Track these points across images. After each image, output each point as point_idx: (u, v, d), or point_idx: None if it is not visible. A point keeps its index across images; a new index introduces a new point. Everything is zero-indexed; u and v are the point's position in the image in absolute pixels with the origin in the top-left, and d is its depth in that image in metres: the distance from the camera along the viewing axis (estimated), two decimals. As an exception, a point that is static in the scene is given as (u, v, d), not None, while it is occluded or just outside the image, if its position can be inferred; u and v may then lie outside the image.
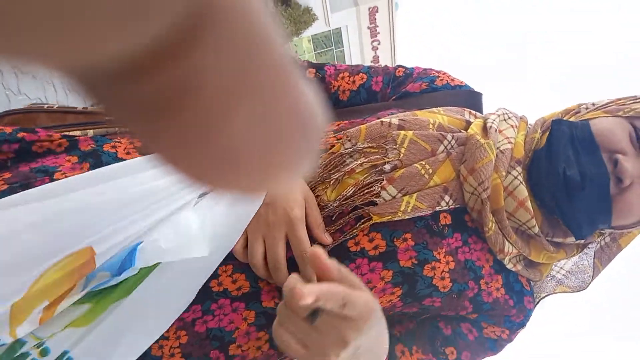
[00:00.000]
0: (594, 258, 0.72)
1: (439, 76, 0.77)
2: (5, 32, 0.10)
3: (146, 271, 0.49)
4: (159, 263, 0.49)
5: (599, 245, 0.72)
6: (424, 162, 0.60)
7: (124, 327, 0.49)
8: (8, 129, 0.58)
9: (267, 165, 0.17)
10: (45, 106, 0.74)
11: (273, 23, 0.15)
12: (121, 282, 0.48)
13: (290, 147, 0.18)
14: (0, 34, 0.10)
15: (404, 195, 0.58)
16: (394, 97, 0.78)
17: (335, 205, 0.58)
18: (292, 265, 0.55)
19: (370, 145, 0.61)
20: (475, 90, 0.77)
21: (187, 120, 0.14)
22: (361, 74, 0.79)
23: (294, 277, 0.42)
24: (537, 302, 0.70)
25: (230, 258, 0.56)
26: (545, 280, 0.72)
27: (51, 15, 0.10)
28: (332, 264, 0.42)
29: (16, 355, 0.47)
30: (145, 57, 0.12)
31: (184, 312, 0.55)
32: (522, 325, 0.66)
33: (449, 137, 0.63)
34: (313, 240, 0.56)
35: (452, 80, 0.78)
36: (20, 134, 0.57)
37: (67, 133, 0.63)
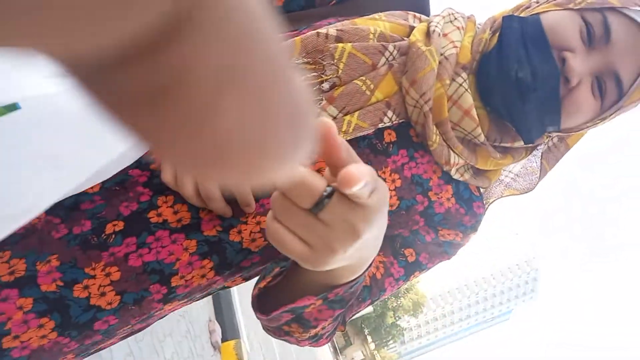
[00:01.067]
0: (541, 159, 0.70)
1: None
2: None
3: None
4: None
5: (546, 146, 0.70)
6: (364, 78, 0.56)
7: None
8: None
9: (256, 159, 0.17)
10: None
11: (265, 12, 0.15)
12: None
13: (280, 141, 0.18)
14: None
15: (345, 114, 0.55)
16: (333, 2, 0.70)
17: None
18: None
19: (306, 61, 0.56)
20: None
21: (175, 111, 0.14)
22: None
23: (303, 169, 0.35)
24: (487, 207, 0.69)
25: (171, 189, 0.52)
26: (494, 185, 0.70)
27: (37, 4, 0.10)
28: (342, 142, 0.35)
29: None
30: (133, 46, 0.12)
31: (115, 246, 0.51)
32: (474, 229, 0.66)
33: (391, 47, 0.58)
34: None
35: None
36: None
37: None
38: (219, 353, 3.98)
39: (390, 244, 0.63)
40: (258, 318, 0.57)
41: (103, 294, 0.51)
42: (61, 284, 0.49)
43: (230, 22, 0.13)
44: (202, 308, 4.00)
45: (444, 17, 0.63)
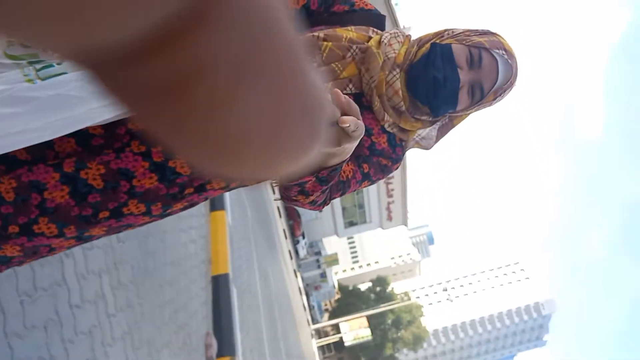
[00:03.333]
0: (437, 131, 1.12)
1: (356, 2, 1.07)
2: (13, 16, 0.10)
3: None
4: None
5: (442, 123, 1.11)
6: (337, 63, 0.96)
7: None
8: None
9: (273, 150, 0.17)
10: None
11: (283, 7, 0.15)
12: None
13: (297, 132, 0.18)
14: (9, 16, 0.10)
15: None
16: (325, 15, 1.05)
17: None
18: None
19: None
20: (381, 14, 1.09)
21: (192, 103, 0.14)
22: None
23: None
24: (405, 151, 1.09)
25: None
26: (410, 142, 1.09)
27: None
28: (345, 99, 0.69)
29: (46, 62, 0.72)
30: (151, 39, 0.12)
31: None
32: (398, 161, 1.07)
33: (354, 47, 0.98)
34: None
35: (366, 5, 1.08)
36: None
37: None
38: (213, 368, 3.97)
39: (356, 159, 1.02)
40: (280, 192, 0.97)
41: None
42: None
43: (249, 14, 0.13)
44: (201, 321, 4.01)
45: (391, 34, 1.01)
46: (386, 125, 1.01)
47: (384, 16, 1.10)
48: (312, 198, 0.94)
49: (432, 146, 1.13)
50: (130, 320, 2.60)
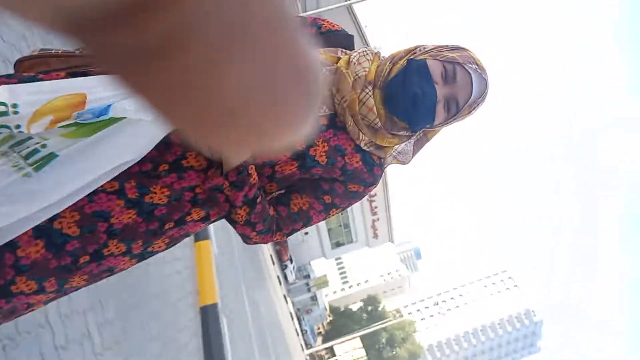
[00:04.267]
0: (413, 146, 1.13)
1: (323, 24, 1.10)
2: None
3: (113, 121, 0.78)
4: (122, 118, 0.79)
5: (417, 137, 1.12)
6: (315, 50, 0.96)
7: (93, 148, 0.78)
8: (31, 72, 0.88)
9: (265, 121, 0.16)
10: (53, 51, 0.97)
11: None
12: (97, 122, 0.77)
13: (289, 103, 0.17)
14: None
15: None
16: None
17: None
18: None
19: None
20: (349, 33, 1.10)
21: (181, 67, 0.13)
22: None
23: None
24: (384, 169, 1.08)
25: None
26: (388, 158, 1.09)
27: None
28: None
29: (27, 144, 0.76)
30: (135, 2, 0.12)
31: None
32: (373, 183, 1.06)
33: (324, 69, 0.98)
34: None
35: (333, 26, 1.10)
36: (40, 75, 0.84)
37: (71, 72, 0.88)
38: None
39: (313, 191, 1.03)
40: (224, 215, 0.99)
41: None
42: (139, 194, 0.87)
43: None
44: (192, 353, 3.93)
45: (359, 53, 1.02)
46: (362, 144, 1.01)
47: (352, 36, 1.11)
48: (242, 214, 0.95)
49: (410, 160, 1.15)
50: (119, 359, 2.53)
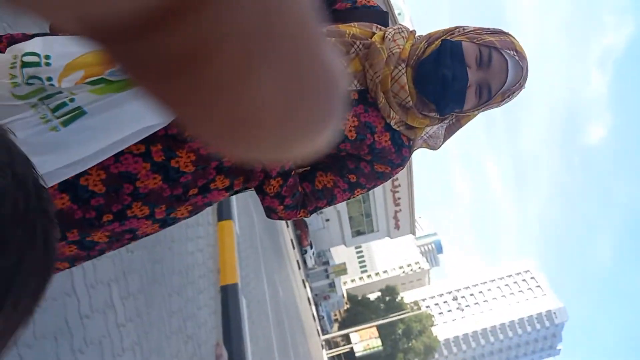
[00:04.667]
0: (445, 131, 1.10)
1: None
2: None
3: None
4: None
5: (449, 122, 1.09)
6: (340, 59, 0.94)
7: (120, 107, 0.78)
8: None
9: (289, 126, 0.16)
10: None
11: None
12: (126, 80, 0.76)
13: (312, 110, 0.17)
14: None
15: None
16: (327, 13, 1.06)
17: None
18: None
19: None
20: (384, 10, 1.09)
21: (204, 77, 0.13)
22: None
23: None
24: (412, 152, 1.05)
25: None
26: (418, 141, 1.06)
27: None
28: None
29: (55, 97, 0.76)
30: (161, 11, 0.12)
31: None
32: (401, 165, 1.03)
33: (358, 42, 0.97)
34: None
35: (369, 2, 1.09)
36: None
37: None
38: (223, 379, 3.95)
39: (339, 170, 1.02)
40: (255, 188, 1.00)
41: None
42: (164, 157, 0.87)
43: None
44: (211, 331, 4.00)
45: (394, 29, 1.00)
46: (392, 123, 0.99)
47: (387, 12, 1.10)
48: (275, 185, 0.96)
49: (440, 146, 1.11)
50: (140, 331, 2.59)
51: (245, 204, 7.99)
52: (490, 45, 0.94)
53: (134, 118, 0.79)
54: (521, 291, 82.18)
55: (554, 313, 79.17)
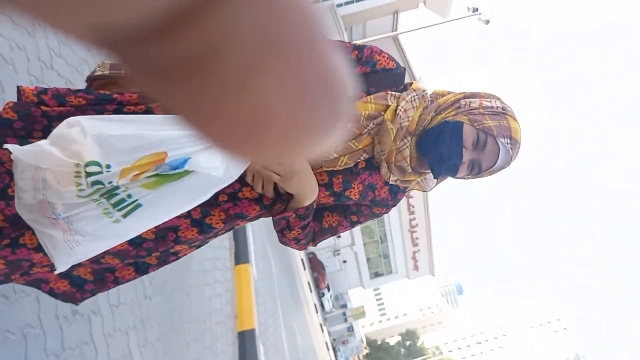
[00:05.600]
0: (436, 182, 1.26)
1: (379, 60, 1.12)
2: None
3: (187, 172, 0.93)
4: (194, 171, 0.94)
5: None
6: (354, 140, 1.09)
7: (169, 196, 0.94)
8: (107, 91, 1.04)
9: (296, 129, 0.17)
10: (122, 72, 1.10)
11: None
12: (173, 174, 0.92)
13: (318, 113, 0.17)
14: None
15: (341, 156, 1.08)
16: None
17: None
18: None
19: None
20: (402, 68, 1.16)
21: (212, 82, 0.14)
22: None
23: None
24: (405, 194, 1.22)
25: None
26: (411, 184, 1.22)
27: None
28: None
29: (115, 193, 0.91)
30: (168, 17, 0.12)
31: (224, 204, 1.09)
32: (394, 206, 1.23)
33: (371, 124, 1.09)
34: None
35: (388, 63, 1.13)
36: (115, 95, 1.02)
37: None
38: None
39: (343, 212, 1.22)
40: (275, 228, 1.16)
41: (217, 222, 1.10)
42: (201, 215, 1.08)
43: None
44: (226, 353, 3.88)
45: (406, 101, 1.10)
46: (390, 181, 1.15)
47: (403, 72, 1.16)
48: (294, 234, 1.15)
49: (431, 189, 1.27)
50: (157, 380, 2.52)
51: (262, 246, 7.94)
52: (487, 132, 1.07)
53: (181, 203, 0.97)
54: (547, 333, 78.88)
55: (583, 357, 75.45)
